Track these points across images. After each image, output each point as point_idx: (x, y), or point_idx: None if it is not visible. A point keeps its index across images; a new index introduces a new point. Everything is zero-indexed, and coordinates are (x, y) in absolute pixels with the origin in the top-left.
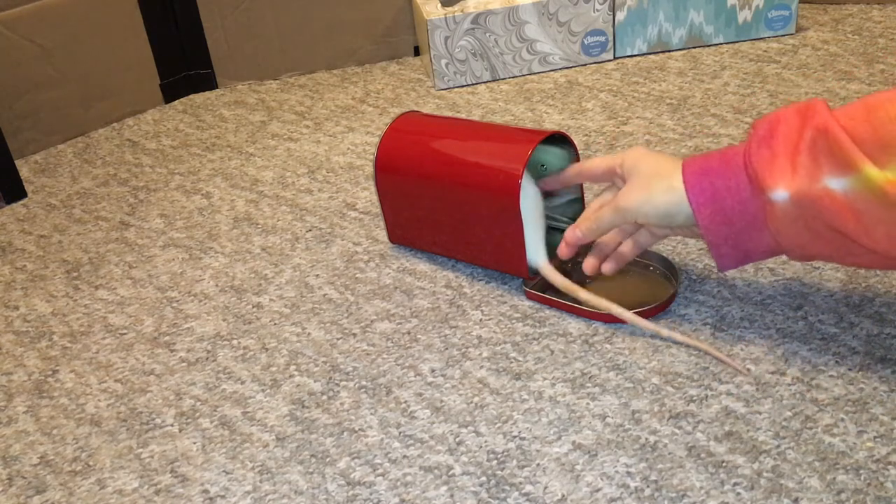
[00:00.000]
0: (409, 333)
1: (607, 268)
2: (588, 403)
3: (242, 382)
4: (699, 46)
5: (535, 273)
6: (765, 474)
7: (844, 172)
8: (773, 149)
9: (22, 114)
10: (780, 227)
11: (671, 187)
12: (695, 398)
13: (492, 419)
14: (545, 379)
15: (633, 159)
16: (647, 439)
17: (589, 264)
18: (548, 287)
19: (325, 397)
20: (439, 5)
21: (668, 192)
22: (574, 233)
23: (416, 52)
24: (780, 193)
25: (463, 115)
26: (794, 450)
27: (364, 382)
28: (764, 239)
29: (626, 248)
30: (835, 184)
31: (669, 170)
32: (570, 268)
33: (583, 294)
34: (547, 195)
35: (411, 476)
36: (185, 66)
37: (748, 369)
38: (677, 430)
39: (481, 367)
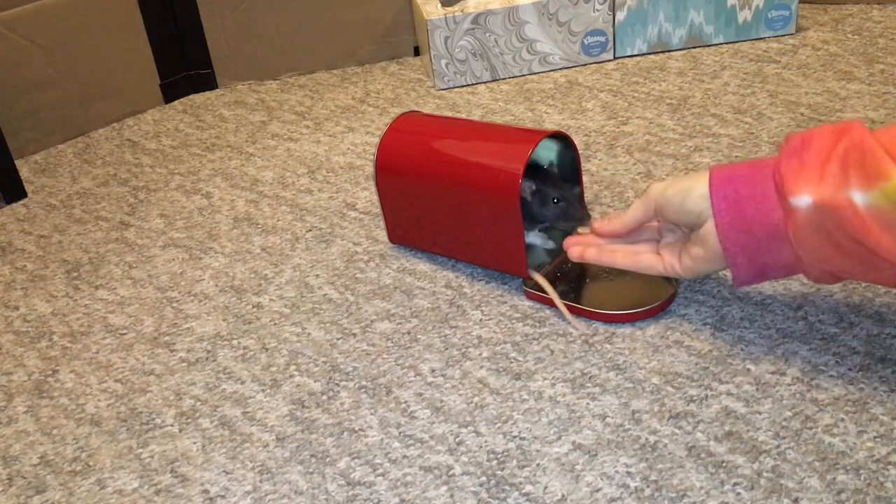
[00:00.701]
0: (409, 333)
1: (588, 253)
2: (588, 403)
3: (242, 382)
4: (699, 46)
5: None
6: (765, 474)
7: (872, 184)
8: (803, 159)
9: (22, 114)
10: (801, 237)
11: (696, 184)
12: (695, 398)
13: (492, 419)
14: (545, 379)
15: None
16: (647, 439)
17: (576, 251)
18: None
19: (325, 397)
20: (439, 5)
21: (693, 183)
22: (599, 221)
23: (416, 52)
24: (804, 199)
25: (463, 115)
26: (794, 450)
27: (364, 382)
28: (784, 253)
29: (621, 253)
30: (859, 197)
31: (698, 175)
32: (560, 274)
33: (548, 288)
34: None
35: (411, 476)
36: (185, 66)
37: (581, 330)
38: (677, 430)
39: (481, 367)
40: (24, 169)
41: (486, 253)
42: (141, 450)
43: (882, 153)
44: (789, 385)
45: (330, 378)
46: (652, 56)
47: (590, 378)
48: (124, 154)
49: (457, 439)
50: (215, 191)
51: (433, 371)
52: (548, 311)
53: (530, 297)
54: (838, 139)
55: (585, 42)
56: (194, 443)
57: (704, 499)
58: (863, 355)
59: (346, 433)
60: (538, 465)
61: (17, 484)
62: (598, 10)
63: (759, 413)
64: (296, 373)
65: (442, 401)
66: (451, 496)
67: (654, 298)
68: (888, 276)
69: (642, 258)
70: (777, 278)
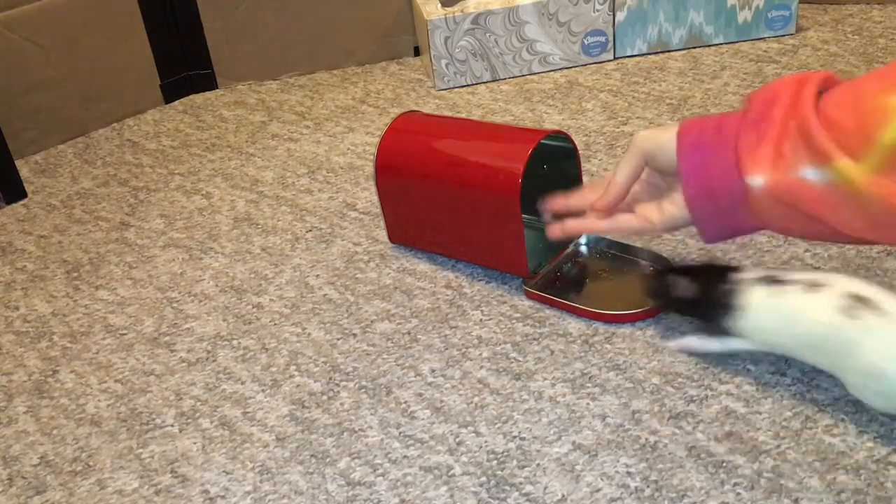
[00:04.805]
0: (409, 333)
1: (568, 226)
2: (588, 403)
3: (242, 383)
4: (699, 46)
5: (535, 272)
6: (765, 474)
7: (821, 164)
8: (760, 132)
9: (22, 114)
10: (761, 210)
11: (673, 139)
12: (695, 398)
13: (492, 419)
14: (545, 379)
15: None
16: (647, 439)
17: (556, 230)
18: (548, 287)
19: (325, 397)
20: (439, 5)
21: (672, 140)
22: (598, 199)
23: (416, 52)
24: (756, 180)
25: (463, 115)
26: (794, 450)
27: (364, 382)
28: (750, 219)
29: (602, 221)
30: (811, 174)
31: (673, 129)
32: (560, 274)
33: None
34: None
35: (411, 476)
36: (185, 67)
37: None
38: (677, 430)
39: (481, 367)
40: (24, 169)
41: (486, 253)
42: (141, 450)
43: (822, 136)
44: (789, 385)
45: (330, 378)
46: (652, 56)
47: (590, 378)
48: (124, 154)
49: (457, 439)
50: (215, 191)
51: (433, 371)
52: (548, 311)
53: (530, 296)
54: (793, 106)
55: (585, 42)
56: (194, 443)
57: (704, 499)
58: None
59: (346, 433)
60: (538, 465)
61: (17, 484)
62: (598, 10)
63: (759, 413)
64: (296, 373)
65: (442, 401)
66: (451, 496)
67: None
68: (853, 241)
69: (618, 218)
70: (747, 234)
